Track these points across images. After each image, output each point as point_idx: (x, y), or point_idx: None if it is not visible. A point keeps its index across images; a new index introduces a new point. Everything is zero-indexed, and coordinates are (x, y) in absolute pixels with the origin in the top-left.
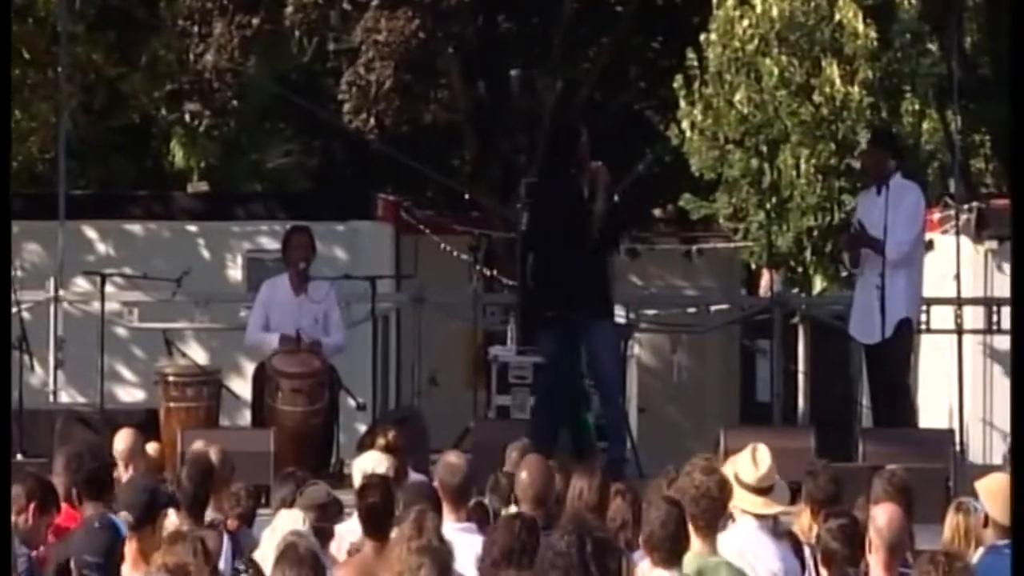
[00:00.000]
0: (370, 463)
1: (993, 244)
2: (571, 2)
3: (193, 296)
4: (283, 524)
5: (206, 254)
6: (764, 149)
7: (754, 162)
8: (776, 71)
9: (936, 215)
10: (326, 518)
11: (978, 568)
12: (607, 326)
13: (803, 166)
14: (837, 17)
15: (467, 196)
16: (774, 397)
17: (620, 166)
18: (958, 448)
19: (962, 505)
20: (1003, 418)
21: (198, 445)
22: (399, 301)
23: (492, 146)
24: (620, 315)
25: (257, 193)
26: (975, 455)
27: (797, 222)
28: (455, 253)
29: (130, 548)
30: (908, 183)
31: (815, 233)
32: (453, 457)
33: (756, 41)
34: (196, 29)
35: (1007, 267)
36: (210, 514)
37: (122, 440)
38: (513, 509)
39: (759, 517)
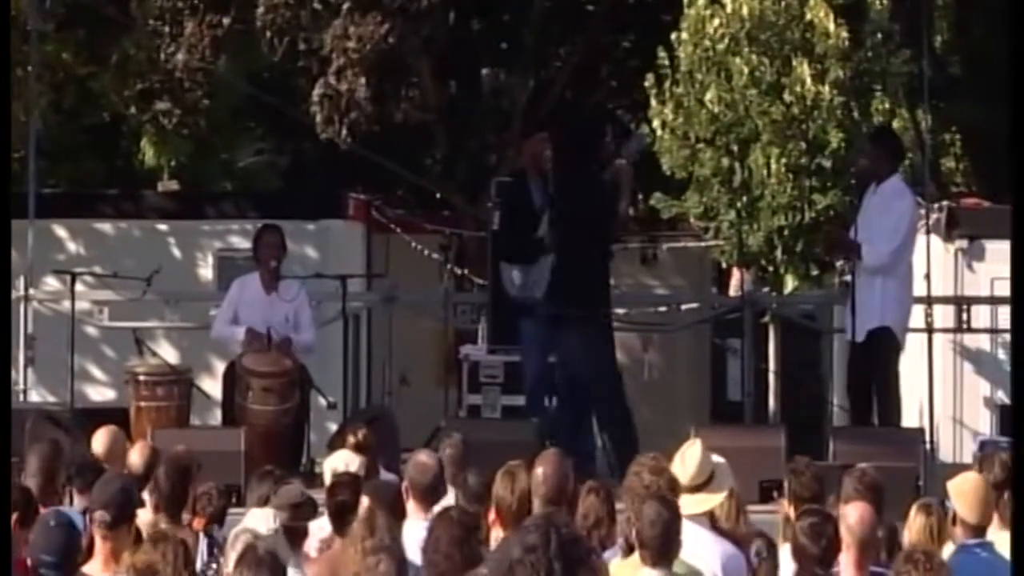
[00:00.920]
0: (341, 462)
1: (963, 243)
2: (542, 1)
3: (164, 295)
4: (253, 523)
5: (177, 253)
6: (735, 148)
7: (725, 161)
8: (747, 70)
9: None
10: (300, 517)
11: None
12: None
13: (774, 165)
14: (808, 16)
15: (438, 195)
16: (745, 396)
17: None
18: (928, 447)
19: (926, 506)
20: (973, 417)
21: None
22: (370, 300)
23: (463, 145)
24: None
25: (228, 192)
26: (945, 454)
27: (768, 221)
28: (426, 252)
29: (103, 547)
30: (903, 188)
31: (785, 232)
32: (424, 457)
33: (727, 40)
34: (167, 29)
35: (977, 266)
36: None
37: (101, 441)
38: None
39: (694, 517)
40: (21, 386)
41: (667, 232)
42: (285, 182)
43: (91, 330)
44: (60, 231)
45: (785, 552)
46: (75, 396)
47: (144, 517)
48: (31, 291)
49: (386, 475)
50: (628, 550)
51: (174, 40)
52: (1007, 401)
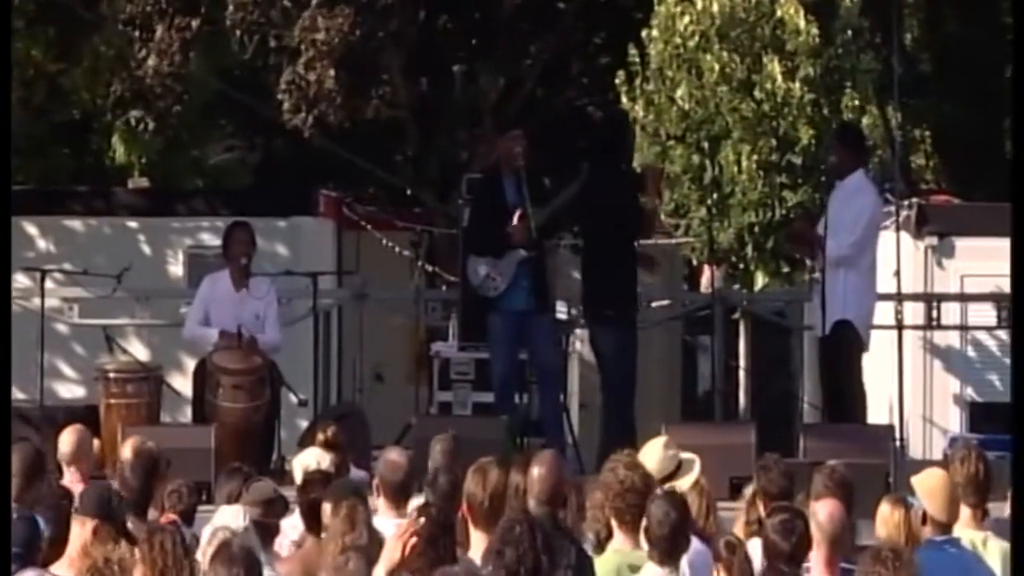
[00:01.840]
0: (312, 459)
1: (933, 240)
2: None
3: (133, 292)
4: (223, 520)
5: (147, 250)
6: (705, 145)
7: (695, 158)
8: (717, 67)
9: None
10: (272, 514)
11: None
12: (547, 318)
13: (744, 162)
14: (778, 13)
15: (409, 192)
16: (715, 393)
17: (561, 162)
18: (898, 444)
19: (897, 501)
20: (942, 414)
21: (135, 440)
22: (341, 297)
23: (434, 142)
24: (562, 311)
25: (198, 189)
26: (915, 451)
27: (738, 218)
28: (397, 249)
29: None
30: (865, 184)
31: (756, 229)
32: (395, 455)
33: (697, 38)
34: (137, 33)
35: (947, 263)
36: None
37: (67, 440)
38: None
39: None
40: None
41: None
42: (255, 179)
43: (61, 327)
44: (30, 228)
45: (754, 547)
46: (45, 393)
47: None
48: None
49: (357, 472)
50: (598, 544)
51: (144, 45)
52: (976, 398)
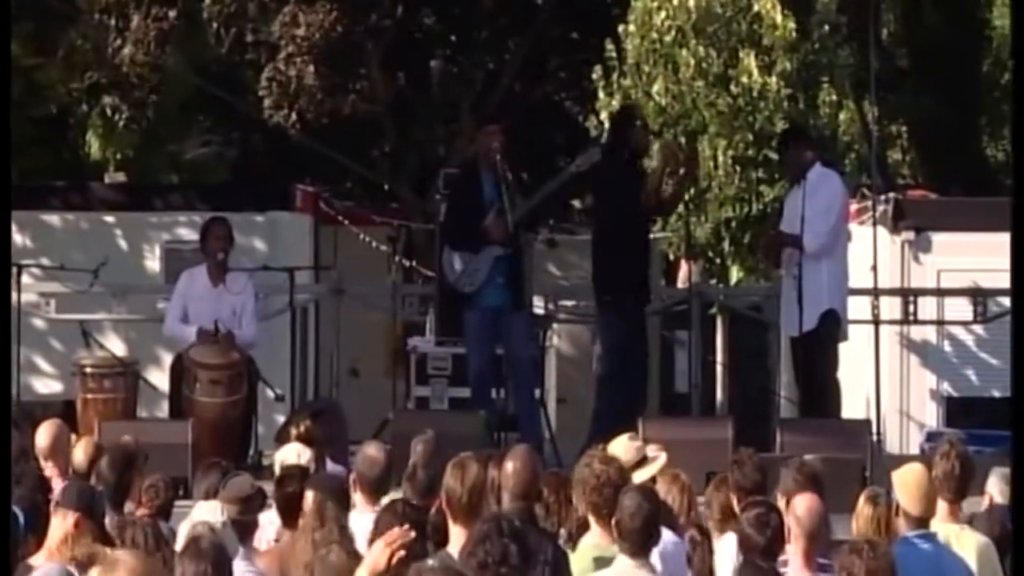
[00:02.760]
0: (292, 454)
1: (910, 235)
2: None
3: (111, 287)
4: (200, 516)
5: (124, 245)
6: (682, 140)
7: None
8: (694, 62)
9: (853, 206)
10: (250, 510)
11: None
12: (522, 314)
13: (721, 157)
14: (755, 8)
15: (386, 187)
16: (692, 388)
17: (539, 156)
18: (875, 438)
19: (874, 496)
20: (919, 408)
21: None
22: (318, 292)
23: (412, 137)
24: (539, 305)
25: (175, 184)
26: (892, 445)
27: (715, 213)
28: (374, 244)
29: (57, 545)
30: (827, 172)
31: (733, 224)
32: (372, 450)
33: (674, 32)
34: (113, 23)
35: (924, 258)
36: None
37: (44, 435)
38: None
39: None
40: None
41: None
42: (232, 174)
43: (38, 322)
44: None
45: (723, 539)
46: (21, 389)
47: None
48: None
49: (334, 467)
50: (569, 539)
51: (120, 34)
52: (953, 393)
